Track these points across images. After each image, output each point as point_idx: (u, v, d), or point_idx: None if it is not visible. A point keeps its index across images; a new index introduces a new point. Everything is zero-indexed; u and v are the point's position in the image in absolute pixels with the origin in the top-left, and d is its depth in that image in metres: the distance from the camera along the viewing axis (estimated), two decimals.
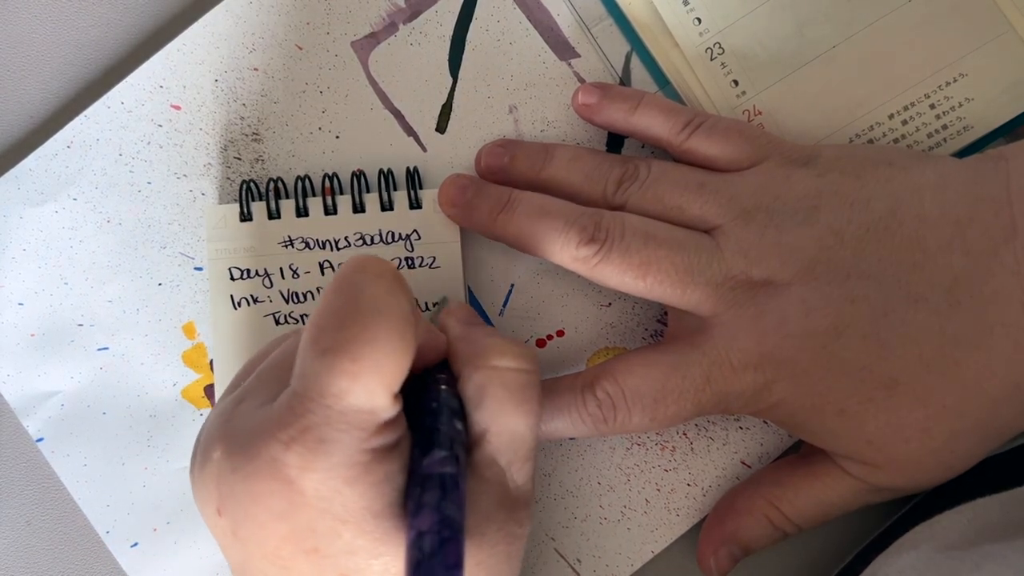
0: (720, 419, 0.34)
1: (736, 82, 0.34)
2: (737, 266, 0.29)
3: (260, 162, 0.34)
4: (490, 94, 0.35)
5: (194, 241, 0.34)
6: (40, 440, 0.34)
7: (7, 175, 0.34)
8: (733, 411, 0.30)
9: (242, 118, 0.34)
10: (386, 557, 0.23)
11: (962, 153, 0.33)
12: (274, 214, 0.33)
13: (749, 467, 0.34)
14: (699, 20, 0.34)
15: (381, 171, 0.33)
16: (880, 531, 0.32)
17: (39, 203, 0.34)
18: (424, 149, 0.35)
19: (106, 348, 0.34)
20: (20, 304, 0.34)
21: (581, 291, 0.34)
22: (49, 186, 0.34)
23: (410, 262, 0.33)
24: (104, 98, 0.34)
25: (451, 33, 0.35)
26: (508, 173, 0.33)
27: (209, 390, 0.34)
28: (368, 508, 0.23)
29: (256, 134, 0.34)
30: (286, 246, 0.33)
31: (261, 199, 0.33)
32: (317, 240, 0.33)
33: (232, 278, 0.33)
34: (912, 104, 0.33)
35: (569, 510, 0.34)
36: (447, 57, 0.35)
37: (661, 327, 0.34)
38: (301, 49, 0.34)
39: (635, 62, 0.35)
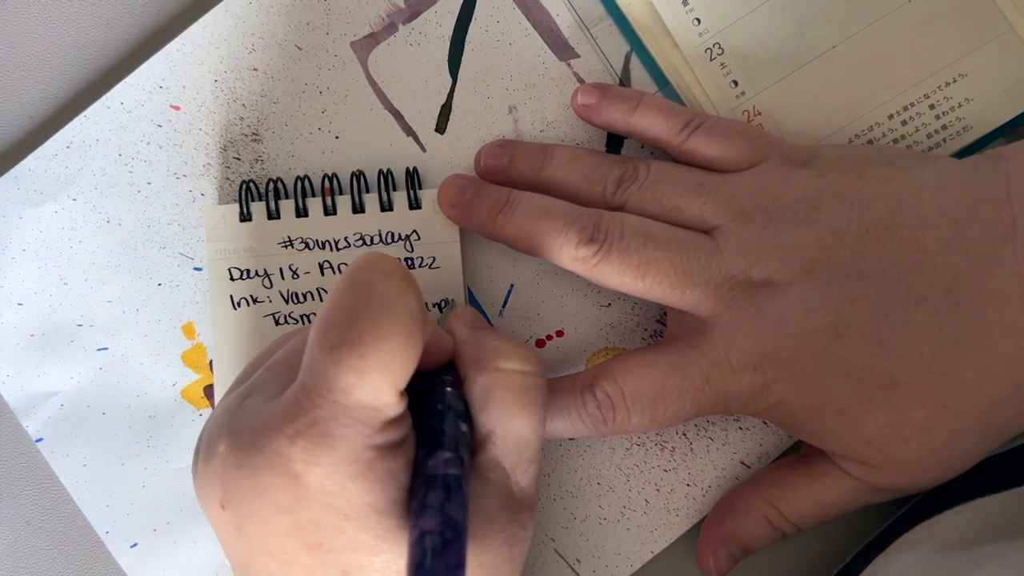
0: (719, 419, 0.34)
1: (736, 82, 0.34)
2: (736, 266, 0.29)
3: (260, 162, 0.34)
4: (490, 94, 0.35)
5: (194, 241, 0.34)
6: (39, 440, 0.34)
7: (7, 175, 0.34)
8: (732, 411, 0.30)
9: (242, 118, 0.34)
10: (387, 555, 0.23)
11: (962, 153, 0.33)
12: (274, 214, 0.33)
13: (748, 467, 0.34)
14: (698, 20, 0.34)
15: (381, 171, 0.33)
16: (880, 531, 0.32)
17: (39, 203, 0.34)
18: (424, 149, 0.35)
19: (106, 348, 0.34)
20: (20, 304, 0.34)
21: (581, 291, 0.34)
22: (49, 186, 0.34)
23: (410, 262, 0.33)
24: (104, 98, 0.34)
25: (451, 33, 0.35)
26: (507, 173, 0.33)
27: (209, 390, 0.34)
28: (372, 504, 0.23)
29: (256, 134, 0.34)
30: (286, 246, 0.33)
31: (261, 199, 0.33)
32: (317, 240, 0.33)
33: (232, 278, 0.33)
34: (912, 104, 0.33)
35: (569, 510, 0.34)
36: (447, 57, 0.35)
37: (661, 327, 0.34)
38: (301, 49, 0.34)
39: (635, 62, 0.35)
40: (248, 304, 0.33)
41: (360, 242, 0.33)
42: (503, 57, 0.35)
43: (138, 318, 0.34)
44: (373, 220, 0.33)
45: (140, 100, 0.34)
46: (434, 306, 0.33)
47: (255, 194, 0.33)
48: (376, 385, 0.23)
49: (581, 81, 0.35)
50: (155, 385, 0.34)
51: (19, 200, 0.34)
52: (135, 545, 0.33)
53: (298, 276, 0.33)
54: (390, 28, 0.35)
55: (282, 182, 0.34)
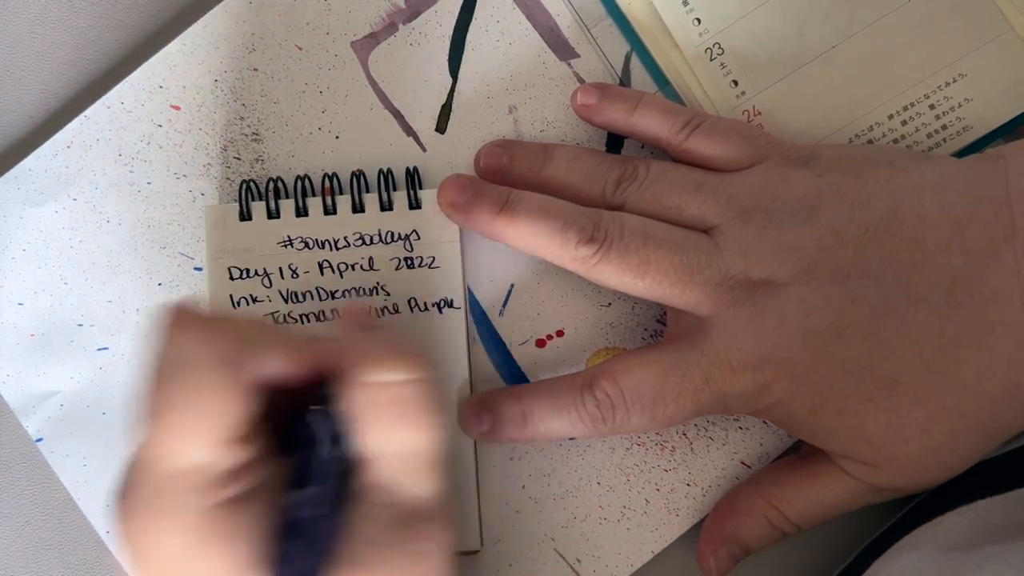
0: (720, 419, 0.34)
1: (736, 82, 0.34)
2: (736, 266, 0.29)
3: (260, 162, 0.34)
4: (490, 94, 0.35)
5: (194, 241, 0.34)
6: (40, 440, 0.34)
7: (7, 175, 0.34)
8: (732, 411, 0.30)
9: (242, 118, 0.34)
10: None
11: (962, 153, 0.33)
12: (274, 214, 0.33)
13: (749, 467, 0.34)
14: (699, 20, 0.34)
15: (381, 171, 0.33)
16: (881, 532, 0.32)
17: (39, 203, 0.34)
18: (424, 149, 0.35)
19: (106, 348, 0.34)
20: (20, 304, 0.34)
21: (581, 291, 0.34)
22: (49, 186, 0.34)
23: (409, 262, 0.33)
24: (104, 98, 0.34)
25: (451, 33, 0.35)
26: (507, 173, 0.33)
27: None
28: (232, 565, 0.22)
29: (256, 134, 0.34)
30: (285, 246, 0.33)
31: (261, 199, 0.33)
32: (317, 240, 0.33)
33: (231, 278, 0.33)
34: (912, 104, 0.33)
35: (569, 510, 0.33)
36: (447, 57, 0.35)
37: (661, 327, 0.34)
38: (301, 49, 0.34)
39: (635, 62, 0.35)
40: (248, 303, 0.33)
41: (360, 242, 0.33)
42: (503, 57, 0.35)
43: (138, 318, 0.34)
44: (373, 220, 0.33)
45: (140, 100, 0.34)
46: (434, 306, 0.33)
47: (255, 194, 0.33)
48: (185, 449, 0.22)
49: (581, 81, 0.35)
50: None
51: (19, 200, 0.34)
52: None
53: (298, 275, 0.33)
54: (390, 28, 0.35)
55: (282, 182, 0.34)
